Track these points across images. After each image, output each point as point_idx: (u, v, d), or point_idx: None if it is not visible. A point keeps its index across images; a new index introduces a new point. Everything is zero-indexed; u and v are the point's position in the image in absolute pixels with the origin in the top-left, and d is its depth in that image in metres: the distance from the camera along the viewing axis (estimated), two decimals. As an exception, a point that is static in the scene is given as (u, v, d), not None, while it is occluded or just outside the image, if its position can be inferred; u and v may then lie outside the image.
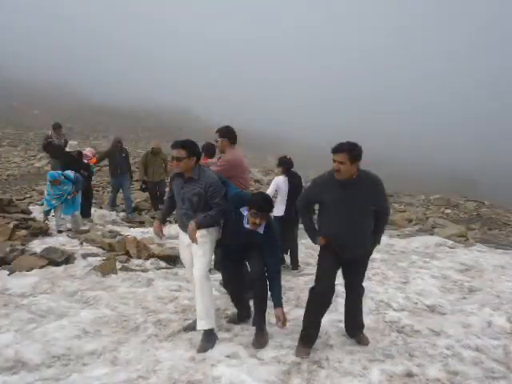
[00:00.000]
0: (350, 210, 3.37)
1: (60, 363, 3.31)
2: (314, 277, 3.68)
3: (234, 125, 4.92)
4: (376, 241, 3.63)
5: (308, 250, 7.42)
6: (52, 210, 7.85)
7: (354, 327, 3.83)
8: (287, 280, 5.56)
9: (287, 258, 6.43)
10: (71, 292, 4.77)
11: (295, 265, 6.30)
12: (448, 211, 14.43)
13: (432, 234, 9.68)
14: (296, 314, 4.36)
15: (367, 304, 4.55)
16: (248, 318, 4.10)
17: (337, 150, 3.33)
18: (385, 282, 5.64)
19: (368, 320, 4.11)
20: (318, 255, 3.66)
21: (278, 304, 3.60)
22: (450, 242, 8.56)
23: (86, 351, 3.49)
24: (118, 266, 5.69)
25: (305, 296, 4.12)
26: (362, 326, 3.84)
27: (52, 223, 8.00)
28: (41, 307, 4.24)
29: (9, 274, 5.26)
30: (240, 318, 4.13)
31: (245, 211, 3.60)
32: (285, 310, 4.46)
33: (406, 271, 6.17)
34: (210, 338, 3.61)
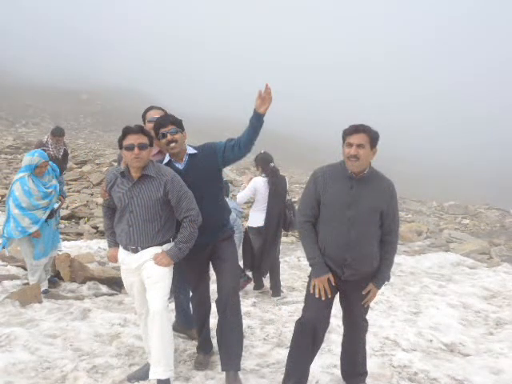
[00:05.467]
0: (355, 213, 3.32)
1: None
2: (301, 305, 3.59)
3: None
4: (384, 276, 3.49)
5: (293, 270, 7.37)
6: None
7: (353, 374, 3.72)
8: (266, 310, 5.48)
9: (266, 282, 6.35)
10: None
11: (276, 290, 6.23)
12: (466, 221, 14.65)
13: (447, 251, 9.80)
14: (277, 355, 4.24)
15: (369, 342, 4.45)
16: (210, 350, 4.14)
17: (355, 129, 3.27)
18: (390, 312, 5.60)
19: (370, 364, 4.00)
20: (308, 276, 3.53)
21: None
22: (470, 261, 8.69)
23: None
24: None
25: (289, 331, 4.05)
26: (365, 373, 3.73)
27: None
28: None
29: None
30: (202, 349, 4.12)
31: None
32: (263, 350, 4.36)
33: (417, 298, 6.18)
34: (165, 392, 3.49)
